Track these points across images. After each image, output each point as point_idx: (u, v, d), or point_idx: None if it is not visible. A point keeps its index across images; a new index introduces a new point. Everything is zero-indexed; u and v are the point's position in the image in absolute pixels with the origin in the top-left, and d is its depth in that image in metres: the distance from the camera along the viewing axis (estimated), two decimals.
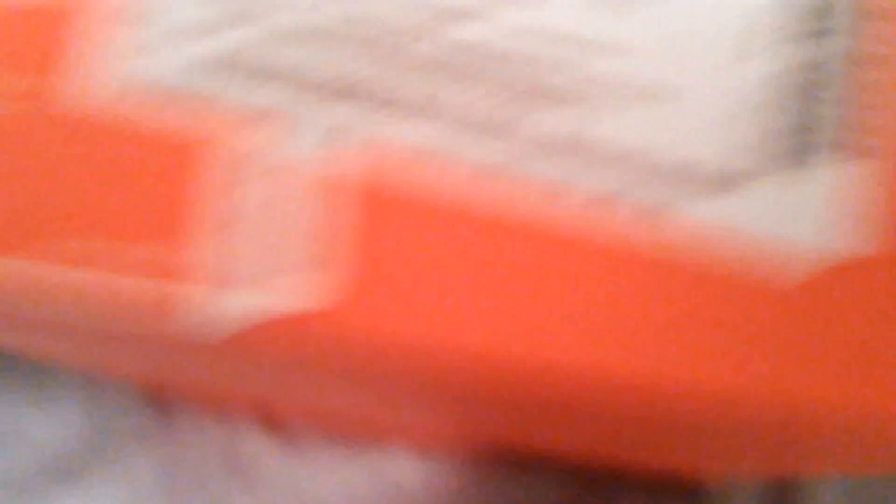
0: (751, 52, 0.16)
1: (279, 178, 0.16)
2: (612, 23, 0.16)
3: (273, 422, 0.32)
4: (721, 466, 0.27)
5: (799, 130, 0.16)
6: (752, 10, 0.16)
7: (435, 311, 0.16)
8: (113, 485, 0.31)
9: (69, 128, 0.17)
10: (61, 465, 0.32)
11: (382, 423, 0.30)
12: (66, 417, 0.32)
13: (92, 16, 0.17)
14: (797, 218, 0.16)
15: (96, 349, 0.23)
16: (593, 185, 0.16)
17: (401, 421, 0.28)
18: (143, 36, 0.17)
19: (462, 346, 0.16)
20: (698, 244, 0.16)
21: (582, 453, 0.29)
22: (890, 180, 0.16)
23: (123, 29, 0.17)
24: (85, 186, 0.17)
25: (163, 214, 0.16)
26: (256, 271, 0.16)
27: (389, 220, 0.16)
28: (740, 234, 0.16)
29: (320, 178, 0.16)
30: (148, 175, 0.17)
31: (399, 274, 0.16)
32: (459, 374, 0.18)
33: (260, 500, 0.31)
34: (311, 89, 0.16)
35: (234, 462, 0.31)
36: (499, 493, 0.30)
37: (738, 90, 0.16)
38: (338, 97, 0.16)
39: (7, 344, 0.25)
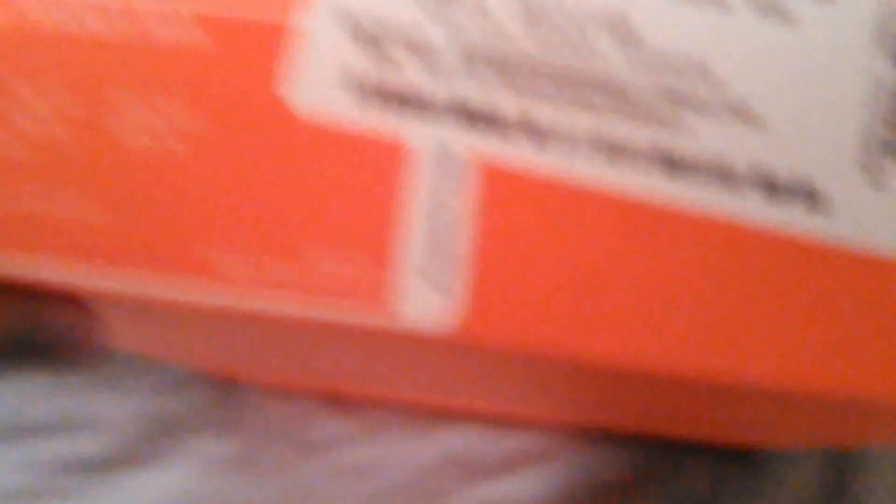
0: (846, 70, 0.16)
1: (417, 206, 0.17)
2: (713, 46, 0.16)
3: (340, 402, 0.33)
4: (780, 437, 0.27)
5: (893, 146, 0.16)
6: (847, 29, 0.16)
7: (557, 319, 0.17)
8: (184, 467, 0.32)
9: (287, 138, 0.17)
10: (133, 448, 0.33)
11: (455, 401, 0.31)
12: (136, 401, 0.33)
13: (307, 31, 0.17)
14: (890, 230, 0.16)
15: (185, 338, 0.24)
16: (696, 199, 0.17)
17: (480, 402, 0.29)
18: (305, 69, 0.17)
19: (582, 348, 0.17)
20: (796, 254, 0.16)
21: (649, 426, 0.30)
22: None
23: (334, 45, 0.17)
24: (298, 194, 0.17)
25: (368, 221, 0.17)
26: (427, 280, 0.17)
27: (511, 234, 0.17)
28: (838, 245, 0.16)
29: (438, 198, 0.17)
30: (352, 184, 0.17)
31: (522, 287, 0.17)
32: (576, 372, 0.19)
33: (329, 478, 0.32)
34: (429, 111, 0.17)
35: (303, 442, 0.32)
36: (568, 463, 0.31)
37: (835, 108, 0.16)
38: (454, 118, 0.17)
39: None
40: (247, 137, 0.17)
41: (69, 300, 0.20)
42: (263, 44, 0.17)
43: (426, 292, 0.17)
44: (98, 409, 0.33)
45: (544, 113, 0.17)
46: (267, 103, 0.17)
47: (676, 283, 0.17)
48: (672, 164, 0.17)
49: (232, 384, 0.34)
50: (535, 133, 0.17)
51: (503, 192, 0.17)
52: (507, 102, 0.17)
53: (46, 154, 0.18)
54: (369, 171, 0.17)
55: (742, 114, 0.16)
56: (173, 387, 0.33)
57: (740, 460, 0.30)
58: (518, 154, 0.17)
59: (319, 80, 0.17)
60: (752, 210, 0.16)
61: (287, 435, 0.33)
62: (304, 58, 0.17)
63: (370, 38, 0.17)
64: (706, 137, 0.17)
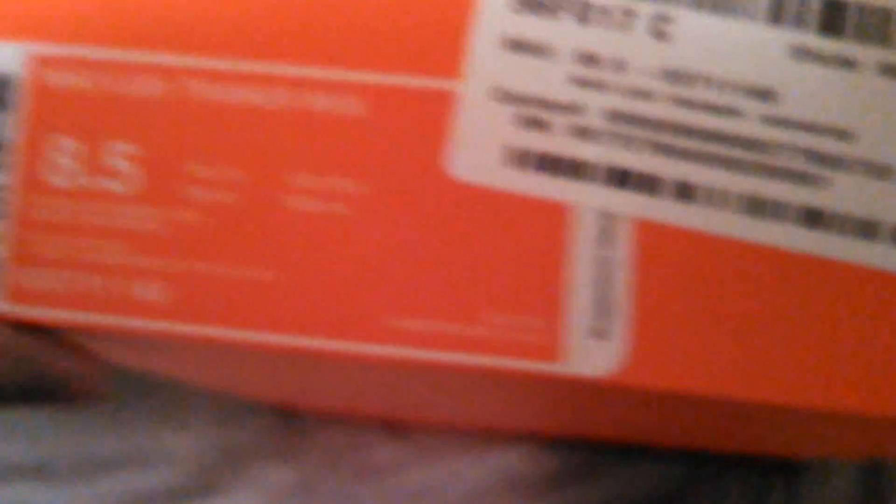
0: None
1: (580, 261, 0.18)
2: (849, 106, 0.18)
3: (396, 427, 0.34)
4: (825, 448, 0.29)
5: None
6: None
7: (711, 363, 0.18)
8: (248, 495, 0.33)
9: (449, 203, 0.19)
10: (198, 479, 0.34)
11: (505, 425, 0.33)
12: (200, 432, 0.34)
13: (463, 99, 0.19)
14: None
15: (263, 377, 0.26)
16: (836, 249, 0.18)
17: (534, 423, 0.31)
18: (463, 141, 0.19)
19: (735, 390, 0.18)
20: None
21: (693, 441, 0.31)
22: None
23: (497, 109, 0.19)
24: (465, 257, 0.19)
25: (536, 280, 0.19)
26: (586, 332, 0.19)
27: (665, 284, 0.18)
28: None
29: (600, 254, 0.19)
30: (517, 246, 0.19)
31: (677, 335, 0.18)
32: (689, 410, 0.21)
33: (387, 501, 0.33)
34: (593, 180, 0.19)
35: (361, 467, 0.34)
36: (616, 478, 0.33)
37: None
38: (614, 186, 0.19)
39: (148, 367, 0.27)
40: (410, 202, 0.19)
41: (80, 350, 0.21)
42: (421, 111, 0.19)
43: (591, 342, 0.18)
44: (163, 441, 0.34)
45: (693, 172, 0.18)
46: (428, 169, 0.19)
47: (821, 325, 0.18)
48: (813, 217, 0.18)
49: (291, 413, 0.35)
50: (684, 190, 0.18)
51: (656, 245, 0.18)
52: (656, 163, 0.18)
53: (215, 220, 0.19)
54: (532, 233, 0.18)
55: (881, 171, 0.18)
56: (236, 417, 0.34)
57: (783, 469, 0.32)
58: (668, 210, 0.18)
59: (477, 148, 0.19)
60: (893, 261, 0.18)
61: (346, 461, 0.34)
62: (461, 126, 0.19)
63: (523, 105, 0.19)
64: (845, 193, 0.18)
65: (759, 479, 0.32)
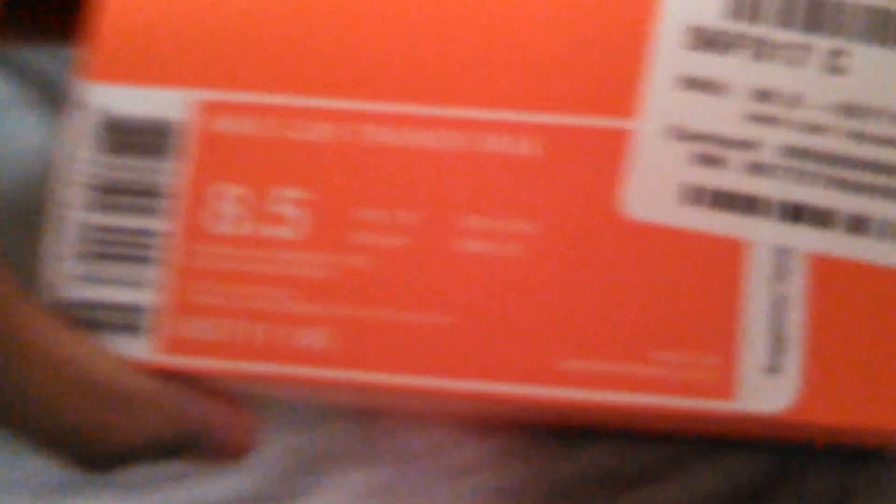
0: None
1: (754, 298, 0.18)
2: None
3: (477, 426, 0.34)
4: None
5: None
6: None
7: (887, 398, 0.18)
8: (332, 500, 0.33)
9: (622, 241, 0.18)
10: (281, 485, 0.34)
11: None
12: (281, 437, 0.34)
13: (645, 137, 0.18)
14: None
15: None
16: None
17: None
18: (638, 180, 0.18)
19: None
20: None
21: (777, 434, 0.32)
22: None
23: (672, 147, 0.19)
24: (639, 296, 0.18)
25: (712, 319, 0.18)
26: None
27: (835, 327, 0.18)
28: None
29: (779, 294, 0.18)
30: (692, 284, 0.18)
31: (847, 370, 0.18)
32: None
33: (472, 502, 0.33)
34: (768, 216, 0.18)
35: (444, 468, 0.34)
36: (702, 471, 0.33)
37: None
38: (789, 221, 0.18)
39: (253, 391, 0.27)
40: (583, 241, 0.18)
41: (231, 399, 0.21)
42: (595, 151, 0.18)
43: (765, 378, 0.18)
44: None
45: (867, 205, 0.18)
46: (601, 208, 0.18)
47: None
48: None
49: (371, 415, 0.35)
50: (859, 223, 0.18)
51: (830, 279, 0.18)
52: (830, 197, 0.18)
53: (384, 264, 0.19)
54: (706, 269, 0.18)
55: None
56: (317, 421, 0.34)
57: (868, 459, 0.33)
58: (843, 244, 0.18)
59: (652, 186, 0.18)
60: None
61: (428, 462, 0.34)
62: (636, 165, 0.18)
63: (699, 142, 0.18)
64: None
65: (844, 469, 0.32)
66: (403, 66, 0.19)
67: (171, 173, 0.19)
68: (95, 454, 0.19)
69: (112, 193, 0.19)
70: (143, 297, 0.19)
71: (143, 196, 0.19)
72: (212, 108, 0.19)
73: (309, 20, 0.19)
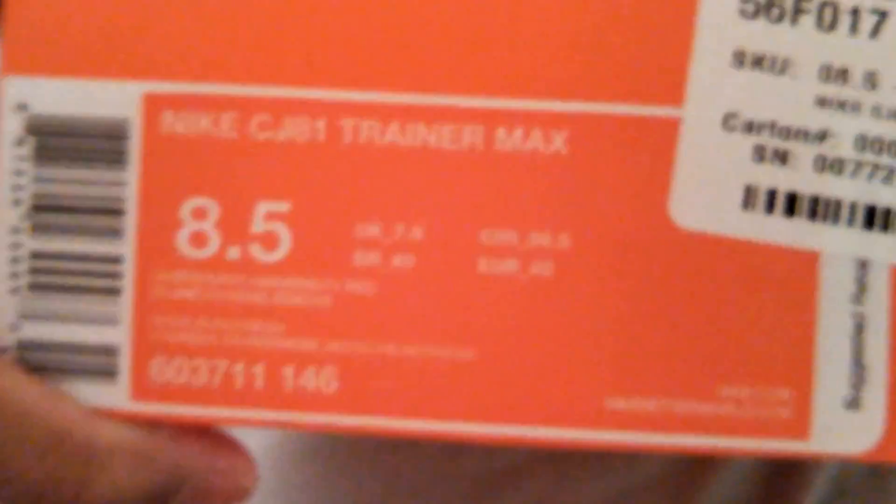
0: None
1: (830, 320, 0.16)
2: None
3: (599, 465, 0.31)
4: None
5: None
6: None
7: None
8: None
9: (674, 257, 0.15)
10: None
11: None
12: None
13: (695, 127, 0.15)
14: None
15: None
16: None
17: None
18: (687, 183, 0.15)
19: None
20: None
21: None
22: None
23: (730, 140, 0.15)
24: (701, 323, 0.15)
25: (785, 349, 0.15)
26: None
27: None
28: None
29: (857, 315, 0.16)
30: (759, 307, 0.15)
31: None
32: None
33: None
34: (841, 223, 0.15)
35: None
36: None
37: None
38: (864, 227, 0.15)
39: None
40: (627, 257, 0.15)
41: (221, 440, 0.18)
42: (636, 146, 0.15)
43: (845, 414, 0.15)
44: None
45: None
46: (648, 217, 0.15)
47: None
48: None
49: None
50: None
51: None
52: None
53: (392, 290, 0.15)
54: (776, 288, 0.15)
55: None
56: None
57: None
58: None
59: (708, 189, 0.15)
60: None
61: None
62: (687, 162, 0.15)
63: (762, 134, 0.15)
64: None
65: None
66: (395, 45, 0.15)
67: (125, 186, 0.16)
68: None
69: (50, 212, 0.16)
70: (107, 335, 0.16)
71: (89, 214, 0.16)
72: (159, 103, 0.15)
73: None
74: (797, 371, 0.15)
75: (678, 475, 0.26)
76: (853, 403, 0.15)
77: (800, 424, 0.15)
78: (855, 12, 0.15)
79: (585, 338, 0.15)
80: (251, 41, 0.15)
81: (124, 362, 0.16)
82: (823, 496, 0.26)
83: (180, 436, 0.17)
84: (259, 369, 0.15)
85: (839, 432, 0.15)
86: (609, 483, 0.25)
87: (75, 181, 0.15)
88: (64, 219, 0.16)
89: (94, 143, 0.15)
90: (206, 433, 0.17)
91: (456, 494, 0.25)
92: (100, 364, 0.16)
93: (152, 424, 0.16)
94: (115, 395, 0.16)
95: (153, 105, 0.15)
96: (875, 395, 0.15)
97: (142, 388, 0.16)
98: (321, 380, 0.15)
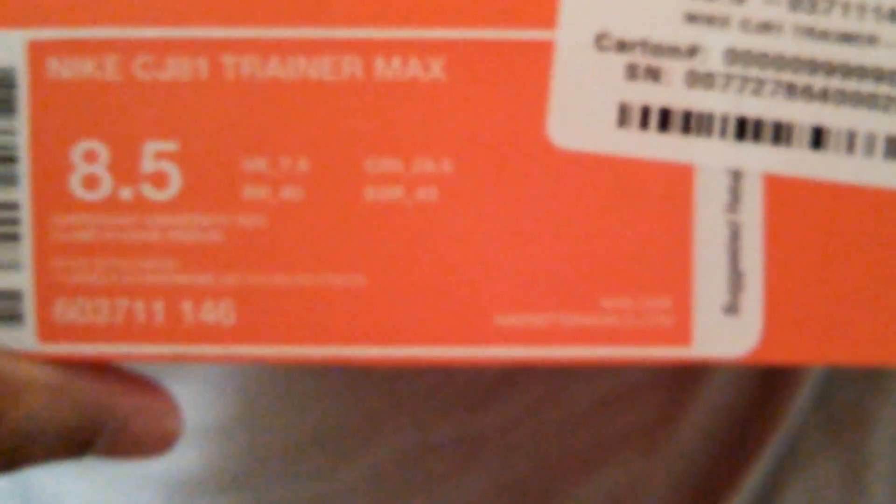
0: None
1: (705, 228, 0.16)
2: None
3: None
4: None
5: None
6: None
7: (851, 330, 0.16)
8: None
9: (552, 176, 0.16)
10: None
11: None
12: None
13: (568, 49, 0.16)
14: None
15: None
16: None
17: None
18: (563, 104, 0.16)
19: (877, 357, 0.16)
20: None
21: None
22: None
23: (602, 60, 0.16)
24: (579, 238, 0.16)
25: (663, 258, 0.16)
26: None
27: (794, 257, 0.16)
28: None
29: (732, 223, 0.16)
30: (638, 220, 0.16)
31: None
32: None
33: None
34: (713, 135, 0.16)
35: None
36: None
37: None
38: (736, 139, 0.16)
39: None
40: (509, 179, 0.16)
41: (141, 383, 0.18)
42: (511, 70, 0.16)
43: (724, 319, 0.16)
44: None
45: (830, 114, 0.16)
46: (526, 139, 0.16)
47: None
48: None
49: None
50: (820, 137, 0.16)
51: (788, 204, 0.16)
52: (788, 108, 0.16)
53: (282, 222, 0.16)
54: (653, 202, 0.16)
55: None
56: None
57: None
58: (803, 161, 0.16)
59: (583, 109, 0.16)
60: None
61: None
62: (561, 84, 0.16)
63: (633, 52, 0.16)
64: None
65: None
66: None
67: (15, 132, 0.16)
68: None
69: None
70: (9, 280, 0.16)
71: None
72: (44, 49, 0.16)
73: None
74: (676, 280, 0.16)
75: (668, 378, 0.26)
76: (732, 309, 0.16)
77: (681, 331, 0.16)
78: None
79: (472, 258, 0.16)
80: None
81: (28, 305, 0.16)
82: (813, 394, 0.27)
83: (98, 376, 0.17)
84: (159, 305, 0.16)
85: (719, 337, 0.16)
86: (600, 385, 0.26)
87: None
88: None
89: None
90: (126, 376, 0.18)
91: (450, 406, 0.26)
92: (4, 308, 0.16)
93: (63, 365, 0.16)
94: (21, 338, 0.16)
95: (38, 52, 0.16)
96: (752, 299, 0.16)
97: (47, 330, 0.16)
98: (219, 312, 0.16)
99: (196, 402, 0.24)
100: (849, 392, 0.27)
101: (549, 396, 0.26)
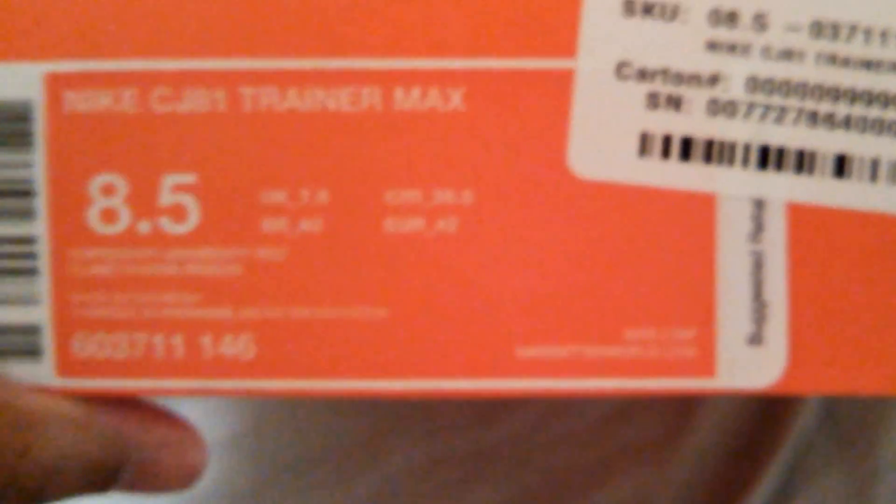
0: None
1: (727, 258, 0.16)
2: None
3: None
4: None
5: None
6: None
7: (878, 359, 0.16)
8: None
9: (576, 206, 0.16)
10: None
11: None
12: None
13: (588, 78, 0.16)
14: None
15: None
16: None
17: None
18: (583, 133, 0.16)
19: None
20: None
21: None
22: None
23: (623, 89, 0.16)
24: (603, 269, 0.16)
25: (687, 289, 0.16)
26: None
27: (818, 286, 0.16)
28: None
29: (755, 253, 0.16)
30: (661, 251, 0.16)
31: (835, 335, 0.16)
32: None
33: None
34: (735, 164, 0.16)
35: None
36: None
37: None
38: (759, 168, 0.16)
39: None
40: (530, 209, 0.16)
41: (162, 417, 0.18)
42: (532, 100, 0.16)
43: (748, 350, 0.16)
44: None
45: (854, 142, 0.16)
46: (547, 168, 0.16)
47: None
48: None
49: None
50: (843, 165, 0.16)
51: (811, 232, 0.16)
52: (810, 136, 0.16)
53: (301, 254, 0.16)
54: (675, 232, 0.16)
55: None
56: None
57: None
58: (826, 190, 0.16)
59: (604, 137, 0.16)
60: None
61: None
62: (582, 113, 0.16)
63: (654, 81, 0.16)
64: None
65: None
66: (289, 10, 0.15)
67: (34, 165, 0.16)
68: (14, 480, 0.16)
69: None
70: (28, 315, 0.16)
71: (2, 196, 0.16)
72: (60, 82, 0.15)
73: None
74: (700, 310, 0.16)
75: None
76: (756, 339, 0.16)
77: (705, 362, 0.16)
78: None
79: (493, 290, 0.16)
80: (145, 15, 0.15)
81: (47, 340, 0.16)
82: (820, 408, 0.27)
83: (120, 409, 0.17)
84: (178, 339, 0.16)
85: (744, 368, 0.16)
86: (609, 399, 0.26)
87: None
88: None
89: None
90: (149, 409, 0.18)
91: (460, 419, 0.26)
92: (23, 343, 0.16)
93: (85, 399, 0.16)
94: (41, 373, 0.16)
95: (55, 85, 0.16)
96: (776, 330, 0.16)
97: (66, 365, 0.16)
98: (239, 346, 0.16)
99: (208, 417, 0.24)
100: (856, 406, 0.27)
101: (558, 410, 0.26)
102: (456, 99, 0.16)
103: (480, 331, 0.16)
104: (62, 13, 0.15)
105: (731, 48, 0.16)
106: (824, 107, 0.16)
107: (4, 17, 0.15)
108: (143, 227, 0.16)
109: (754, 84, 0.16)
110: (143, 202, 0.16)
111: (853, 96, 0.16)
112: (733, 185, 0.16)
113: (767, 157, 0.16)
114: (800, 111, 0.16)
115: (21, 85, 0.15)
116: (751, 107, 0.16)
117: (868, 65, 0.16)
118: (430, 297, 0.16)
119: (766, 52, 0.16)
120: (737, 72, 0.16)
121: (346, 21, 0.15)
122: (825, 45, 0.16)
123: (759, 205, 0.16)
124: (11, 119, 0.16)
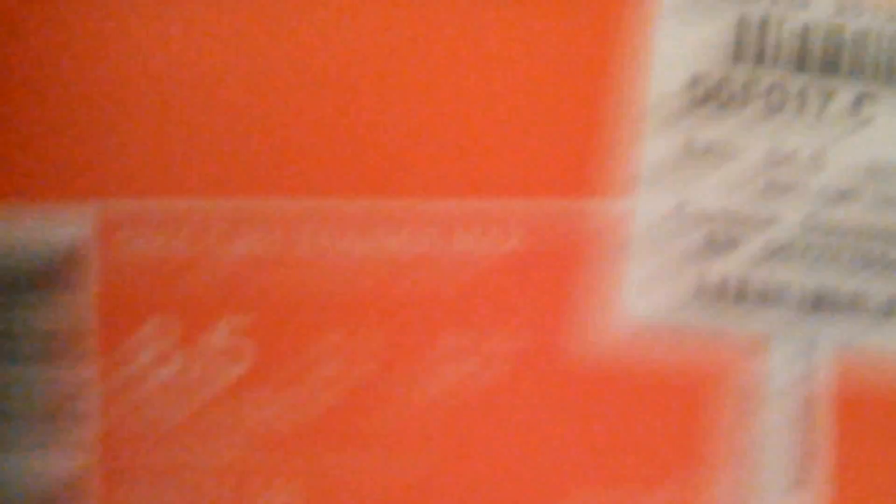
0: None
1: (776, 402, 0.16)
2: None
3: None
4: None
5: None
6: None
7: None
8: None
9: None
10: None
11: None
12: None
13: (645, 220, 0.16)
14: None
15: None
16: None
17: None
18: (640, 274, 0.16)
19: None
20: None
21: None
22: None
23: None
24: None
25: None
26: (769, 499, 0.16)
27: (865, 430, 0.16)
28: None
29: (803, 396, 0.16)
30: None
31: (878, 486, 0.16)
32: None
33: None
34: (788, 306, 0.16)
35: None
36: None
37: None
38: (811, 310, 0.16)
39: None
40: (580, 359, 0.16)
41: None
42: (583, 239, 0.15)
43: (789, 500, 0.16)
44: None
45: None
46: (596, 311, 0.16)
47: None
48: None
49: None
50: (889, 305, 0.16)
51: (858, 379, 0.16)
52: (858, 276, 0.16)
53: (356, 399, 0.15)
54: (720, 378, 0.16)
55: None
56: None
57: None
58: (871, 330, 0.16)
59: (655, 279, 0.16)
60: None
61: None
62: (636, 253, 0.16)
63: (712, 223, 0.16)
64: None
65: None
66: (348, 152, 0.15)
67: (83, 308, 0.15)
68: None
69: (6, 339, 0.15)
70: (77, 460, 0.16)
71: (45, 341, 0.16)
72: (113, 223, 0.15)
73: (217, 103, 0.15)
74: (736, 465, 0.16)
75: None
76: (800, 484, 0.16)
77: None
78: (802, 94, 0.16)
79: (545, 442, 0.16)
80: (202, 154, 0.15)
81: (92, 488, 0.16)
82: None
83: None
84: (226, 487, 0.15)
85: None
86: None
87: (30, 307, 0.15)
88: (22, 346, 0.15)
89: (51, 268, 0.15)
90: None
91: None
92: (67, 491, 0.16)
93: None
94: None
95: (107, 226, 0.15)
96: (819, 476, 0.16)
97: None
98: (288, 494, 0.16)
99: None
100: None
101: None
102: (514, 240, 0.15)
103: (527, 483, 0.16)
104: (114, 152, 0.15)
105: (787, 189, 0.16)
106: (878, 248, 0.16)
107: (56, 157, 0.15)
108: (196, 369, 0.15)
109: (810, 225, 0.16)
110: (196, 345, 0.15)
111: None
112: (785, 327, 0.16)
113: (821, 300, 0.16)
114: (854, 252, 0.16)
115: (73, 226, 0.15)
116: (805, 248, 0.16)
117: None
118: (469, 460, 0.16)
119: (821, 192, 0.16)
120: (792, 213, 0.16)
121: (405, 162, 0.15)
122: (881, 187, 0.16)
123: (809, 346, 0.16)
124: (63, 260, 0.15)
